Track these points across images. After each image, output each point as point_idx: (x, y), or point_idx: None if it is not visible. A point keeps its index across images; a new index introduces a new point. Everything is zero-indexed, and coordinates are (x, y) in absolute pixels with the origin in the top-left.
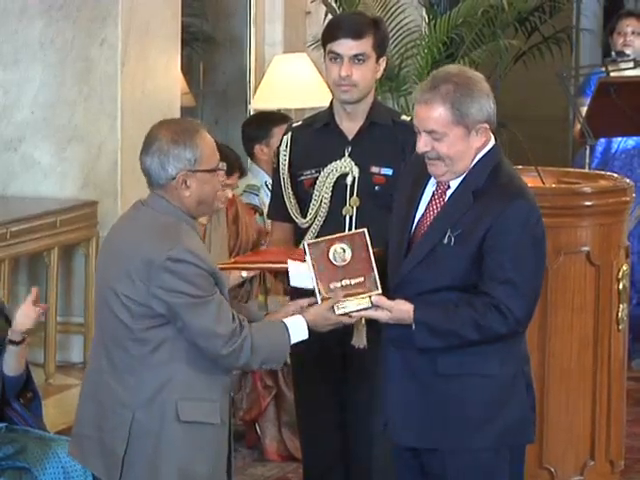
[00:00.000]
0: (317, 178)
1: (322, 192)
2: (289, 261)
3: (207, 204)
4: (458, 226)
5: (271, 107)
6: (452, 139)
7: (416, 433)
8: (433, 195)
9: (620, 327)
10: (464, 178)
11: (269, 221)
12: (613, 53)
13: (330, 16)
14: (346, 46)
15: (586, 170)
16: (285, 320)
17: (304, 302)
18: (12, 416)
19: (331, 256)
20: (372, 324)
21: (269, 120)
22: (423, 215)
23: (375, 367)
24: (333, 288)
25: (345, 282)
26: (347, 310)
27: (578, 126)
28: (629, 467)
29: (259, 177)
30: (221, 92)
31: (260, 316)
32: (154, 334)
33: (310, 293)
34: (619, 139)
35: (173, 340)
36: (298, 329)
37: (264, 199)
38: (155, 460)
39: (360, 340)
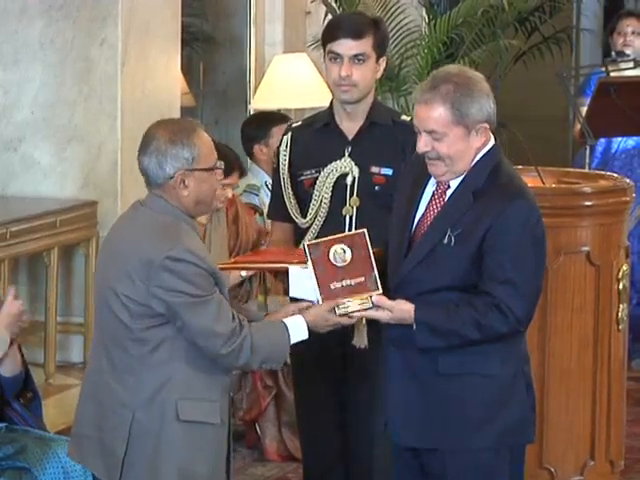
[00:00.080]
0: (317, 178)
1: (322, 192)
2: (290, 268)
3: (205, 203)
4: (458, 226)
5: (271, 107)
6: (452, 139)
7: (416, 433)
8: (433, 195)
9: (620, 327)
10: (464, 178)
11: (269, 221)
12: (613, 53)
13: (330, 16)
14: (346, 46)
15: (586, 170)
16: (285, 320)
17: (303, 304)
18: (12, 416)
19: (331, 257)
20: (373, 324)
21: (268, 120)
22: (423, 215)
23: (375, 367)
24: (333, 288)
25: (345, 282)
26: (348, 310)
27: (578, 126)
28: (629, 467)
29: (259, 177)
30: (221, 92)
31: (260, 316)
32: (154, 334)
33: None
34: (619, 139)
35: (173, 340)
36: (298, 329)
37: (264, 199)
38: (155, 460)
39: (361, 340)
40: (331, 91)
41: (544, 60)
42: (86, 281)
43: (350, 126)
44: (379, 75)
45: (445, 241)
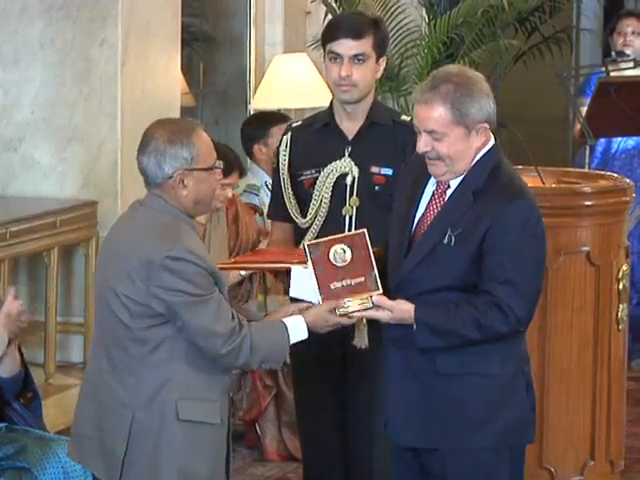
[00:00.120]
0: (317, 178)
1: (322, 192)
2: (293, 268)
3: (205, 203)
4: (458, 226)
5: (271, 107)
6: (452, 139)
7: (416, 433)
8: (433, 195)
9: (620, 327)
10: (464, 178)
11: (269, 221)
12: (613, 53)
13: (330, 16)
14: (346, 46)
15: (586, 170)
16: (285, 320)
17: (303, 305)
18: (12, 416)
19: (331, 257)
20: (373, 324)
21: (268, 120)
22: (423, 215)
23: (375, 367)
24: (334, 288)
25: (346, 282)
26: (348, 310)
27: (578, 126)
28: (629, 467)
29: (259, 177)
30: (221, 92)
31: (259, 316)
32: (153, 334)
33: None
34: (619, 139)
35: (172, 340)
36: (297, 329)
37: (264, 199)
38: (155, 460)
39: (362, 340)
40: (331, 91)
41: (544, 60)
42: (86, 281)
43: (350, 126)
44: (379, 75)
45: (445, 241)
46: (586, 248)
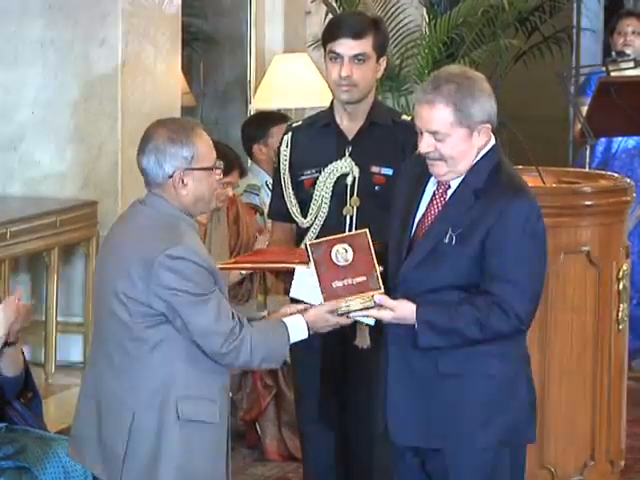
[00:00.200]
0: (317, 178)
1: (322, 192)
2: (297, 268)
3: (205, 202)
4: (459, 225)
5: (271, 107)
6: (455, 140)
7: (416, 433)
8: (434, 194)
9: (620, 327)
10: (465, 177)
11: (269, 221)
12: (613, 53)
13: (330, 16)
14: (346, 46)
15: (586, 170)
16: (285, 319)
17: (302, 306)
18: (12, 415)
19: (333, 256)
20: (374, 324)
21: (268, 120)
22: (424, 215)
23: (375, 367)
24: (335, 287)
25: (347, 281)
26: (350, 309)
27: (578, 126)
28: (629, 467)
29: (259, 177)
30: (221, 92)
31: (259, 316)
32: (153, 333)
33: None
34: (619, 139)
35: (172, 339)
36: (297, 328)
37: (264, 199)
38: (155, 459)
39: (363, 340)
40: (331, 91)
41: (544, 60)
42: (86, 281)
43: (350, 126)
44: (379, 75)
45: (446, 241)
46: (586, 248)
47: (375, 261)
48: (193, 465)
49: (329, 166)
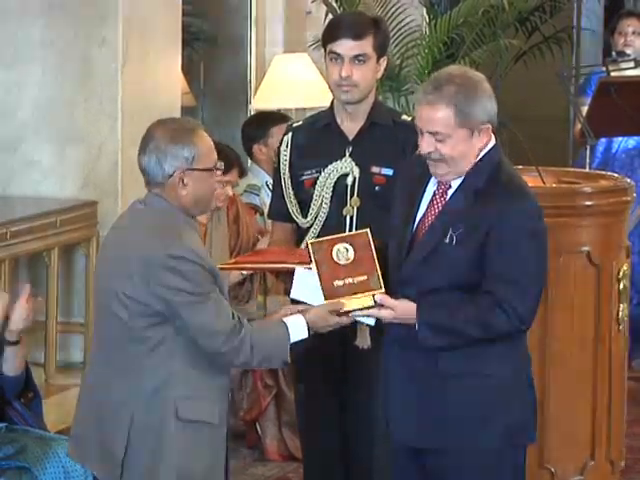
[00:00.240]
0: (318, 178)
1: (323, 192)
2: (297, 268)
3: (204, 203)
4: (459, 225)
5: (272, 107)
6: (456, 140)
7: (417, 433)
8: (434, 194)
9: (620, 327)
10: (465, 177)
11: (269, 221)
12: (614, 53)
13: (331, 16)
14: (346, 46)
15: (586, 170)
16: (285, 319)
17: (302, 307)
18: (13, 415)
19: (334, 255)
20: (374, 325)
21: (268, 120)
22: (424, 215)
23: (376, 367)
24: (336, 286)
25: (348, 280)
26: (350, 309)
27: (579, 126)
28: (630, 467)
29: (260, 177)
30: (221, 92)
31: (259, 316)
32: (152, 333)
33: None
34: (620, 139)
35: (171, 339)
36: (298, 328)
37: (265, 199)
38: (154, 459)
39: (364, 341)
40: (331, 91)
41: (544, 60)
42: (86, 281)
43: (351, 126)
44: (380, 75)
45: (447, 240)
46: (586, 248)
47: (376, 261)
48: (192, 465)
49: (329, 166)
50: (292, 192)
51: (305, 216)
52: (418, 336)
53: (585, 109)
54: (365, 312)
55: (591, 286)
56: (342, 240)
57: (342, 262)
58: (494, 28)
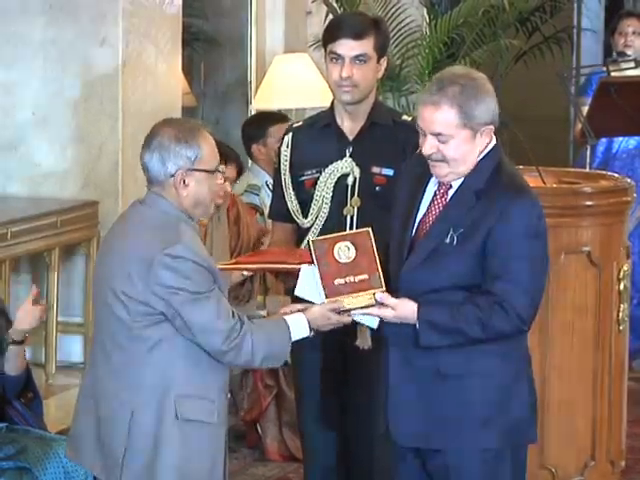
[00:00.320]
0: (318, 178)
1: (323, 192)
2: (302, 267)
3: (204, 205)
4: (460, 225)
5: (272, 107)
6: (458, 142)
7: (417, 433)
8: (435, 195)
9: (621, 327)
10: (466, 178)
11: (270, 221)
12: (614, 53)
13: (331, 16)
14: (347, 47)
15: (587, 170)
16: (286, 317)
17: (304, 305)
18: (13, 415)
19: (335, 253)
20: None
21: (268, 120)
22: (425, 215)
23: (376, 368)
24: (337, 285)
25: (349, 279)
26: (351, 307)
27: (579, 126)
28: (630, 467)
29: (260, 177)
30: (222, 92)
31: (259, 316)
32: (152, 332)
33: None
34: (620, 139)
35: (171, 338)
36: (299, 326)
37: (265, 199)
38: (154, 459)
39: (365, 341)
40: (332, 91)
41: (545, 60)
42: (87, 281)
43: (351, 126)
44: (380, 75)
45: (447, 241)
46: (587, 248)
47: (377, 259)
48: (192, 464)
49: (330, 166)
50: (292, 192)
51: (305, 216)
52: (418, 335)
53: (586, 109)
54: (365, 311)
55: (591, 286)
56: (343, 238)
57: (343, 261)
58: (494, 28)
